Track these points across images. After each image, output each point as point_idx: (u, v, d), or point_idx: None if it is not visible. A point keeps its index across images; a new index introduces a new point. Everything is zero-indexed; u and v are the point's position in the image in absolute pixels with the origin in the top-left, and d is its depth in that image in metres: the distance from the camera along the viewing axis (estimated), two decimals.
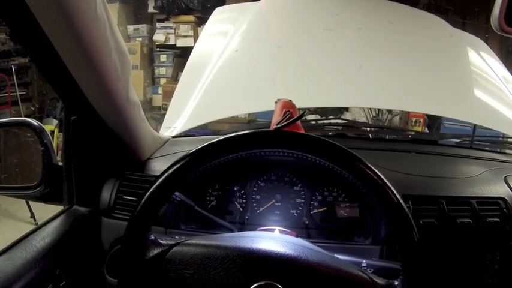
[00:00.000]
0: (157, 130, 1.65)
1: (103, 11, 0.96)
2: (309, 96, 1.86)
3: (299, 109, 1.13)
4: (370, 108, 4.02)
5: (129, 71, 1.15)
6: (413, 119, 5.16)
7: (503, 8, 0.95)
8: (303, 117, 1.07)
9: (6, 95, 6.32)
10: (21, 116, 6.12)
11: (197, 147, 0.90)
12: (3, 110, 6.27)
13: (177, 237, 0.98)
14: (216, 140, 0.91)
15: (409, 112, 4.91)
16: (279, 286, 0.81)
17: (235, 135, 0.91)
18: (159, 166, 1.42)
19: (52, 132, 5.54)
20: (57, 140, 5.33)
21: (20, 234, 1.19)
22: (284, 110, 1.04)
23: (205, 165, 0.90)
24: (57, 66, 1.00)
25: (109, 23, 1.00)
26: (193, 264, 0.86)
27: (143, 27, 7.19)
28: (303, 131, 1.04)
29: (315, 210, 1.40)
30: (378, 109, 4.24)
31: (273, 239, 0.91)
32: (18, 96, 6.46)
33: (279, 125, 0.95)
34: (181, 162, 0.89)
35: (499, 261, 1.27)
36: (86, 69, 1.01)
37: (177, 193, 1.28)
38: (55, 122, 6.00)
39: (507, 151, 1.85)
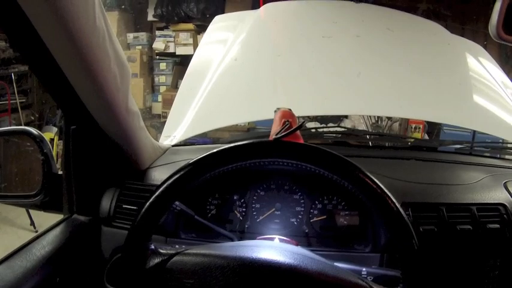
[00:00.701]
0: (157, 138, 1.65)
1: (102, 21, 0.96)
2: (308, 104, 1.86)
3: (298, 117, 1.14)
4: (369, 115, 4.03)
5: (129, 81, 1.15)
6: (413, 126, 5.17)
7: (501, 16, 0.96)
8: (302, 127, 1.07)
9: (6, 102, 6.31)
10: (21, 124, 6.14)
11: (197, 157, 0.91)
12: (3, 117, 6.26)
13: (177, 246, 0.99)
14: (215, 150, 0.91)
15: (408, 119, 4.91)
16: None
17: (235, 146, 0.91)
18: (159, 175, 1.42)
19: (52, 139, 5.54)
20: (56, 148, 5.33)
21: (19, 241, 1.19)
22: (283, 120, 1.04)
23: (205, 175, 0.90)
24: (56, 77, 1.00)
25: (108, 33, 1.00)
26: (194, 273, 0.86)
27: (143, 36, 7.20)
28: (302, 141, 1.05)
29: (315, 219, 1.40)
30: (378, 116, 4.25)
31: (272, 248, 0.91)
32: (18, 103, 6.46)
33: (278, 135, 0.95)
34: (181, 172, 0.90)
35: (500, 267, 1.27)
36: (86, 80, 1.01)
37: (176, 202, 1.28)
38: (55, 129, 6.01)
39: (507, 157, 1.85)
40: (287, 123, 1.01)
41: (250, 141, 0.92)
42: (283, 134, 0.96)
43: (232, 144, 0.91)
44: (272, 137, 0.98)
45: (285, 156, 0.91)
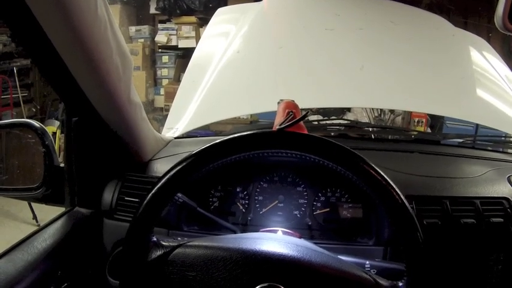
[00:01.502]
0: (159, 131, 1.64)
1: (104, 11, 0.96)
2: (311, 97, 1.85)
3: (302, 109, 1.13)
4: (372, 108, 4.03)
5: (131, 72, 1.15)
6: (416, 119, 5.15)
7: (507, 7, 0.95)
8: (306, 118, 1.06)
9: (8, 96, 6.32)
10: (23, 118, 6.14)
11: (199, 148, 0.90)
12: (5, 111, 6.27)
13: (179, 238, 0.98)
14: (218, 141, 0.90)
15: (411, 112, 4.90)
16: None
17: (238, 136, 0.90)
18: (161, 167, 1.41)
19: (54, 133, 5.54)
20: (59, 142, 5.33)
21: (21, 235, 1.19)
22: (287, 111, 1.03)
23: (208, 167, 0.90)
24: (58, 68, 1.00)
25: (110, 23, 0.99)
26: (196, 266, 0.85)
27: (145, 28, 7.19)
28: (306, 132, 1.04)
29: (318, 211, 1.39)
30: (380, 109, 4.25)
31: (275, 241, 0.91)
32: (20, 97, 6.47)
33: (282, 126, 0.94)
34: (184, 164, 0.89)
35: (503, 262, 1.27)
36: (87, 71, 1.01)
37: (179, 194, 1.28)
38: (57, 123, 6.02)
39: (510, 151, 1.85)
40: (291, 113, 1.00)
41: (254, 131, 0.92)
42: (287, 124, 0.95)
43: (235, 135, 0.91)
44: (276, 127, 0.97)
45: (289, 147, 0.91)
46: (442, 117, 4.65)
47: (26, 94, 6.82)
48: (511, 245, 1.27)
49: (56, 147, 1.44)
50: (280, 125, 0.95)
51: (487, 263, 1.27)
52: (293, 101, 1.13)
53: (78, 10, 0.87)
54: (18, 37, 0.96)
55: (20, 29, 0.93)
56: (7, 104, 6.33)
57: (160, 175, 0.91)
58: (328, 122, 2.07)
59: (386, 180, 0.86)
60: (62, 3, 0.84)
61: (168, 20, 7.17)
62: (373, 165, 0.87)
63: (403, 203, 0.85)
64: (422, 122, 5.13)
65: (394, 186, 0.86)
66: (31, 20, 0.86)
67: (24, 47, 1.00)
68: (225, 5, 5.88)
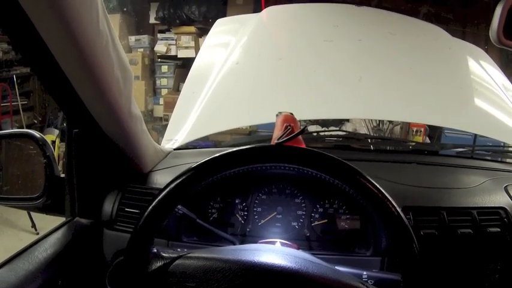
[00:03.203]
0: (158, 141, 1.65)
1: (105, 25, 0.97)
2: (309, 108, 1.86)
3: (300, 121, 1.14)
4: (371, 119, 4.03)
5: (131, 85, 1.16)
6: (414, 129, 5.17)
7: (502, 21, 0.97)
8: (304, 132, 1.07)
9: (8, 104, 6.31)
10: (22, 126, 6.14)
11: (200, 161, 0.91)
12: (4, 119, 6.26)
13: (179, 249, 0.99)
14: (218, 155, 0.91)
15: (409, 122, 4.91)
16: None
17: (237, 150, 0.92)
18: (161, 179, 1.42)
19: (53, 142, 5.54)
20: (58, 150, 5.34)
21: (20, 243, 1.19)
22: (285, 125, 1.05)
23: (208, 180, 0.91)
24: (60, 81, 1.00)
25: (111, 37, 1.00)
26: (196, 277, 0.86)
27: (144, 38, 7.19)
28: (303, 145, 1.05)
29: (316, 223, 1.40)
30: (379, 120, 4.25)
31: (274, 252, 0.92)
32: (20, 105, 6.46)
33: (280, 140, 0.95)
34: (184, 177, 0.90)
35: (500, 271, 1.27)
36: (89, 84, 1.02)
37: (179, 206, 1.29)
38: (56, 132, 6.01)
39: (508, 160, 1.86)
40: (289, 127, 1.02)
41: (253, 146, 0.93)
42: (285, 138, 0.96)
43: (235, 149, 0.92)
44: (274, 141, 0.98)
45: (287, 161, 0.92)
46: (441, 127, 4.65)
47: (25, 102, 6.81)
48: (508, 254, 1.27)
49: (56, 156, 1.45)
50: (278, 139, 0.97)
51: (485, 273, 1.28)
52: (291, 114, 1.14)
53: (80, 25, 0.88)
54: (20, 49, 0.97)
55: (22, 41, 0.94)
56: (7, 111, 6.32)
57: (160, 187, 0.92)
58: (326, 133, 2.08)
59: (382, 192, 0.87)
60: (64, 18, 0.84)
61: (168, 30, 7.17)
62: (369, 178, 0.88)
63: (399, 215, 0.86)
64: (420, 131, 5.14)
65: (390, 198, 0.87)
66: (32, 33, 0.87)
67: (26, 59, 1.01)
68: (225, 15, 5.90)
